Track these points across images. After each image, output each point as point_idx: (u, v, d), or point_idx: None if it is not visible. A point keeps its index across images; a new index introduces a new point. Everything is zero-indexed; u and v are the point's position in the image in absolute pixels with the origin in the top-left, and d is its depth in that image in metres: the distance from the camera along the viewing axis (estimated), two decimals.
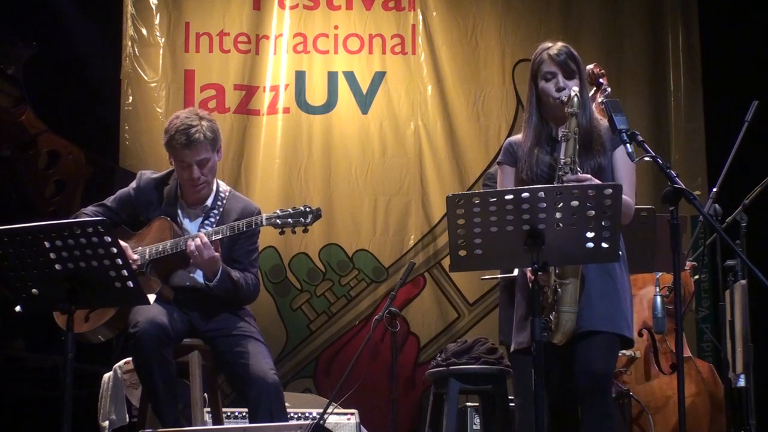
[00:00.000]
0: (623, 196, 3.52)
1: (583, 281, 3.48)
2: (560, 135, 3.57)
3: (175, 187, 4.36)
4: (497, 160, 3.83)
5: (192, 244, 4.10)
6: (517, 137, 3.77)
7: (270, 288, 6.89)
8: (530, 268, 3.28)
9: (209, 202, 4.36)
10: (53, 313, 4.15)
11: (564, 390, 3.57)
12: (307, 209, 4.18)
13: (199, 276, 4.30)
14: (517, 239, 3.22)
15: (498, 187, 3.78)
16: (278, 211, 4.20)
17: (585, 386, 3.49)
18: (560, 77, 3.63)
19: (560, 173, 3.50)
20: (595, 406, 3.49)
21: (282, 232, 4.21)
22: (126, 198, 4.39)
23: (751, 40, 6.87)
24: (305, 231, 4.22)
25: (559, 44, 3.69)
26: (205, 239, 4.11)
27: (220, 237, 4.19)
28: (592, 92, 4.57)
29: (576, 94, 3.54)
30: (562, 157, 3.52)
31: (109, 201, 4.40)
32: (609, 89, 4.09)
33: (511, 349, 3.72)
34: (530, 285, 3.31)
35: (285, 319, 6.93)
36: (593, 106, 3.82)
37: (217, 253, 4.14)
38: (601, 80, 4.55)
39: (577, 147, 3.53)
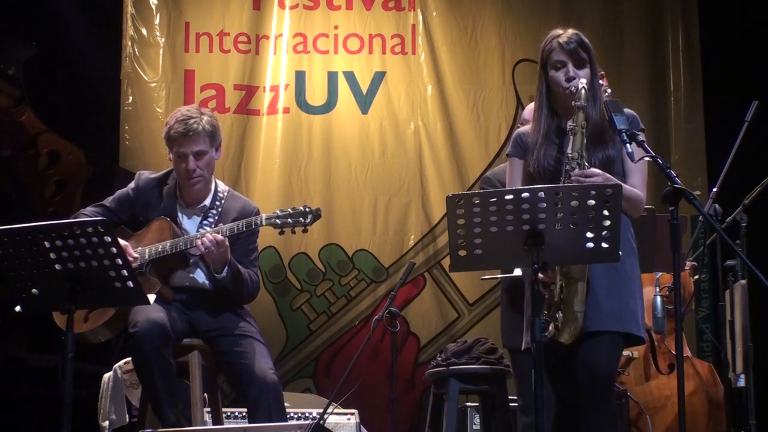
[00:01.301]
0: (633, 189, 3.50)
1: (588, 280, 3.45)
2: (567, 129, 3.51)
3: (174, 186, 4.36)
4: (506, 152, 3.75)
5: (205, 241, 4.09)
6: (527, 128, 3.70)
7: (270, 288, 6.89)
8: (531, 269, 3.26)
9: (208, 201, 4.36)
10: (53, 314, 4.15)
11: (569, 390, 3.55)
12: (307, 209, 4.18)
13: (198, 276, 4.31)
14: (517, 239, 3.21)
15: (507, 180, 3.74)
16: (278, 212, 4.20)
17: (587, 387, 3.46)
18: (570, 66, 3.56)
19: (567, 168, 3.45)
20: (597, 406, 3.46)
21: (282, 232, 4.21)
22: (125, 198, 4.39)
23: (751, 40, 6.87)
24: (305, 231, 4.22)
25: (570, 31, 3.61)
26: (219, 237, 4.10)
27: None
28: None
29: (584, 87, 3.48)
30: (569, 151, 3.46)
31: (107, 201, 4.40)
32: (609, 90, 4.07)
33: (522, 347, 3.67)
34: (532, 285, 3.29)
35: (285, 319, 6.93)
36: None
37: (227, 244, 4.14)
38: (600, 81, 4.54)
39: (585, 141, 3.47)
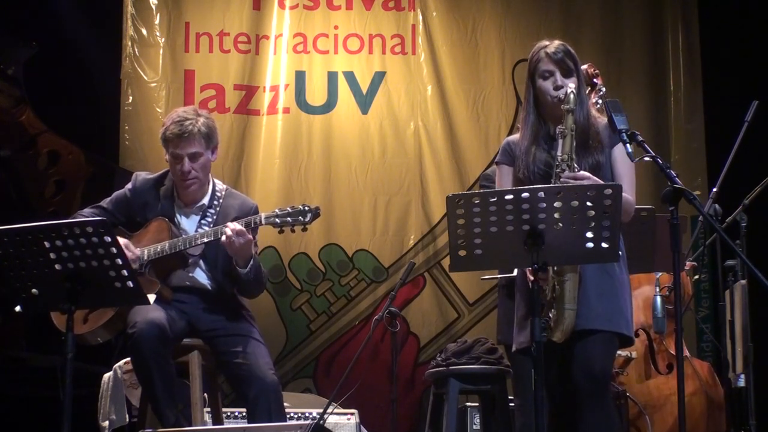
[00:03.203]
0: (623, 194, 3.53)
1: (580, 279, 3.48)
2: (557, 132, 3.56)
3: (171, 187, 4.37)
4: (495, 160, 3.82)
5: (227, 231, 4.07)
6: (515, 137, 3.76)
7: (270, 288, 6.87)
8: (530, 268, 3.28)
9: (206, 200, 4.37)
10: (51, 314, 4.15)
11: (564, 390, 3.56)
12: (306, 208, 4.18)
13: (198, 275, 4.31)
14: (517, 239, 3.22)
15: (496, 188, 3.77)
16: (277, 210, 4.20)
17: (584, 386, 3.49)
18: (558, 75, 3.62)
19: (557, 170, 3.49)
20: (594, 405, 3.49)
21: (281, 231, 4.21)
22: (122, 199, 4.39)
23: (751, 40, 6.87)
24: (304, 230, 4.22)
25: (557, 42, 3.68)
26: (237, 226, 4.09)
27: (220, 237, 4.19)
28: (587, 92, 4.56)
29: (572, 91, 3.54)
30: (559, 153, 3.51)
31: (105, 203, 4.41)
32: (604, 89, 4.08)
33: (513, 349, 3.71)
34: (530, 285, 3.30)
35: (285, 319, 6.93)
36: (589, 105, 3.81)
37: (250, 237, 4.12)
38: (595, 80, 4.54)
39: (575, 144, 3.52)
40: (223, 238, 4.10)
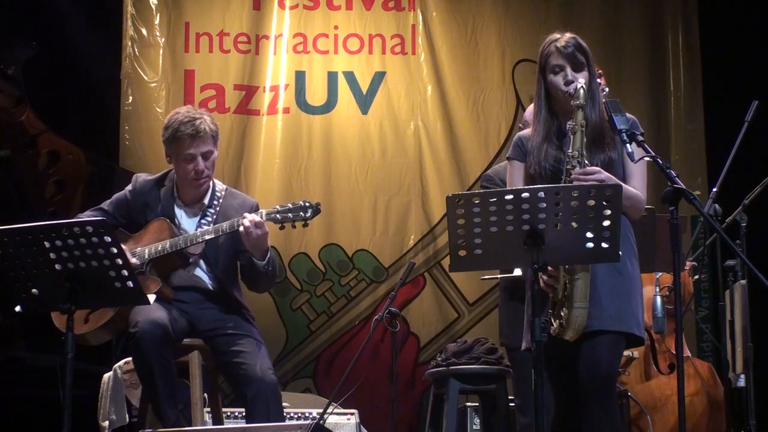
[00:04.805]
0: (633, 189, 3.52)
1: (592, 278, 3.45)
2: (567, 128, 3.52)
3: (172, 187, 4.37)
4: (507, 155, 3.77)
5: (245, 222, 4.06)
6: (527, 132, 3.72)
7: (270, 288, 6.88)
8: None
9: (206, 200, 4.37)
10: (51, 314, 4.15)
11: (569, 389, 3.55)
12: (307, 204, 4.19)
13: (199, 275, 4.31)
14: (517, 239, 3.21)
15: (507, 183, 3.75)
16: (278, 207, 4.21)
17: (589, 386, 3.46)
18: (568, 70, 3.58)
19: (568, 167, 3.46)
20: (599, 405, 3.46)
21: (282, 227, 4.21)
22: (122, 201, 4.39)
23: (751, 40, 6.87)
24: (305, 225, 4.21)
25: (567, 35, 3.64)
26: (256, 218, 4.09)
27: (219, 235, 4.19)
28: None
29: (582, 87, 3.49)
30: (569, 150, 3.47)
31: (105, 205, 4.41)
32: (607, 89, 4.07)
33: (522, 347, 3.67)
34: (533, 285, 3.29)
35: (285, 319, 6.93)
36: None
37: (267, 229, 4.12)
38: (598, 80, 4.54)
39: (585, 140, 3.47)
40: (241, 229, 4.09)
